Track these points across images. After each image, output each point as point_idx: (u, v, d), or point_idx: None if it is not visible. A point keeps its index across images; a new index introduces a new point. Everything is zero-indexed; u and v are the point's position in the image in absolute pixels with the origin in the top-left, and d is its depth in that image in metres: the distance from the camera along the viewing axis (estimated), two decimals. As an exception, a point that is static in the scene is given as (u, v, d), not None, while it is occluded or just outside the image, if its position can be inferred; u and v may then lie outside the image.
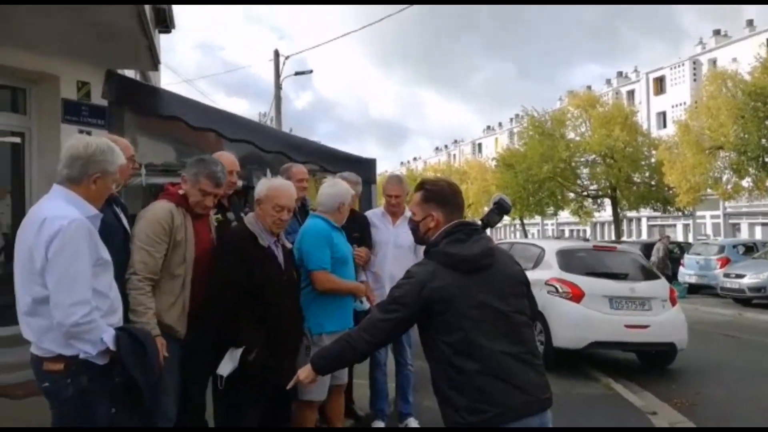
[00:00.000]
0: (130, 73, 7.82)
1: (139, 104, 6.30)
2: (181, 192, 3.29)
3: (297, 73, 23.43)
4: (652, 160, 31.95)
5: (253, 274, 3.15)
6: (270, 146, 7.20)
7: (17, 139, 6.21)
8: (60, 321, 2.37)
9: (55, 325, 2.41)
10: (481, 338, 2.34)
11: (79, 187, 2.55)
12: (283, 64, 21.39)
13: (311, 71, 24.56)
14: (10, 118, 6.14)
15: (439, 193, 2.59)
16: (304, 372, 2.55)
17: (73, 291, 2.38)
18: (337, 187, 4.06)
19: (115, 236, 3.04)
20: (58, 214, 2.43)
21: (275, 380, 3.32)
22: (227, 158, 3.97)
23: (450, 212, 2.56)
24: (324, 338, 3.75)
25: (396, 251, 4.93)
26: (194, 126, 6.18)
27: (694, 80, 39.59)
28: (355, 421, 5.00)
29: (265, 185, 3.50)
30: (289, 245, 3.62)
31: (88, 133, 5.77)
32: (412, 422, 4.95)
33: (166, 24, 8.99)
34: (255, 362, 3.13)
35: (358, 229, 4.61)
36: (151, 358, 2.64)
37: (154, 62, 6.25)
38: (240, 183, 4.40)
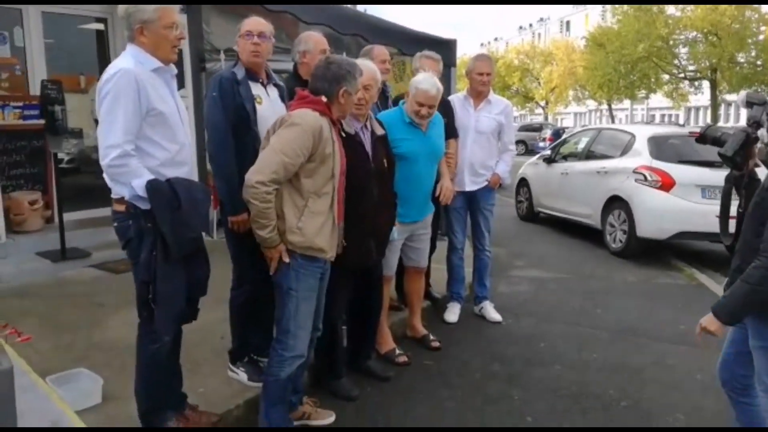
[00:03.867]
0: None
1: (214, -14, 6.21)
2: (324, 100, 2.90)
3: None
4: (760, 37, 29.09)
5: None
6: (347, 29, 7.00)
7: (101, 26, 6.32)
8: (101, 161, 2.50)
9: None
10: None
11: (136, 42, 2.58)
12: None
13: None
14: (92, 5, 6.21)
15: None
16: (713, 324, 2.49)
17: (109, 134, 2.45)
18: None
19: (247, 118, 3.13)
20: (113, 65, 2.53)
21: (363, 263, 3.43)
22: (320, 39, 3.76)
23: None
24: None
25: (477, 137, 4.80)
26: (271, 9, 6.05)
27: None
28: (432, 303, 5.14)
29: None
30: (380, 131, 3.49)
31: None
32: (488, 305, 5.05)
33: None
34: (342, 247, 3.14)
35: (443, 115, 4.32)
36: (185, 213, 2.56)
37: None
38: None
